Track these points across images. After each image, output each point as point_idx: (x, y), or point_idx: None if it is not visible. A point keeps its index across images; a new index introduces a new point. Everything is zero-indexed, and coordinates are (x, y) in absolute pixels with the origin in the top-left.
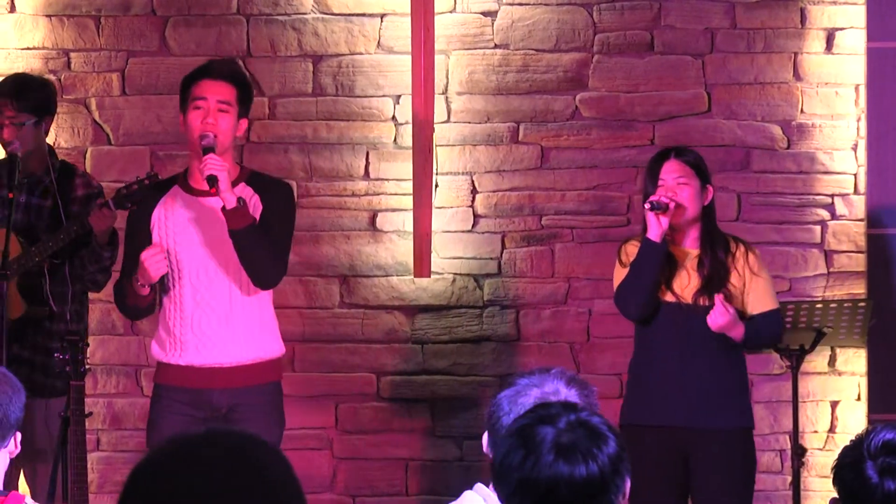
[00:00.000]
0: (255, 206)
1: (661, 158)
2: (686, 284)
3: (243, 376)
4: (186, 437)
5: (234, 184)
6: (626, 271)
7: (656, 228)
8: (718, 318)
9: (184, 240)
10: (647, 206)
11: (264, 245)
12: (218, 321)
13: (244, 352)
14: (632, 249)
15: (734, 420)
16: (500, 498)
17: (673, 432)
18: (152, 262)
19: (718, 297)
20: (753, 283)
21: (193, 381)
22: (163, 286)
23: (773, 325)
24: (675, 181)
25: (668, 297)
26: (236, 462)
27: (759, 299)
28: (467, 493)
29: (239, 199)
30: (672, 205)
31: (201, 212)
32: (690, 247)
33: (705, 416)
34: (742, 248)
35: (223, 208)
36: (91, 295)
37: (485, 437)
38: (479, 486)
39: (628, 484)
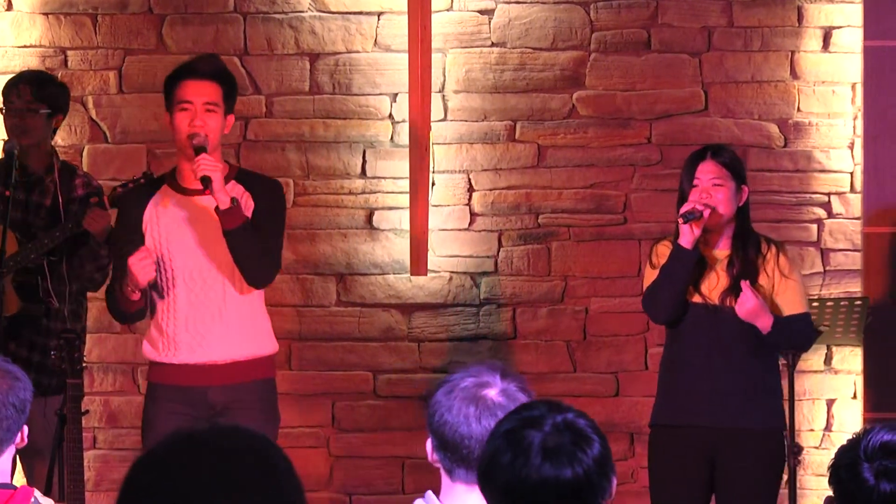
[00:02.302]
0: (247, 205)
1: (698, 158)
2: (714, 285)
3: (237, 373)
4: (188, 433)
5: (225, 181)
6: (655, 273)
7: (688, 236)
8: (746, 302)
9: (176, 240)
10: (680, 220)
11: (257, 244)
12: (212, 319)
13: (238, 349)
14: (663, 251)
15: (763, 420)
16: (487, 500)
17: (701, 432)
18: (140, 267)
19: (745, 283)
20: (783, 285)
21: (188, 379)
22: (155, 287)
23: (803, 327)
24: (710, 182)
25: (696, 299)
26: (237, 457)
27: (789, 302)
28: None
29: (233, 199)
30: (707, 212)
31: (193, 211)
32: (722, 248)
33: (733, 416)
34: (774, 249)
35: (216, 208)
36: (98, 290)
37: (428, 442)
38: (429, 493)
39: (614, 484)
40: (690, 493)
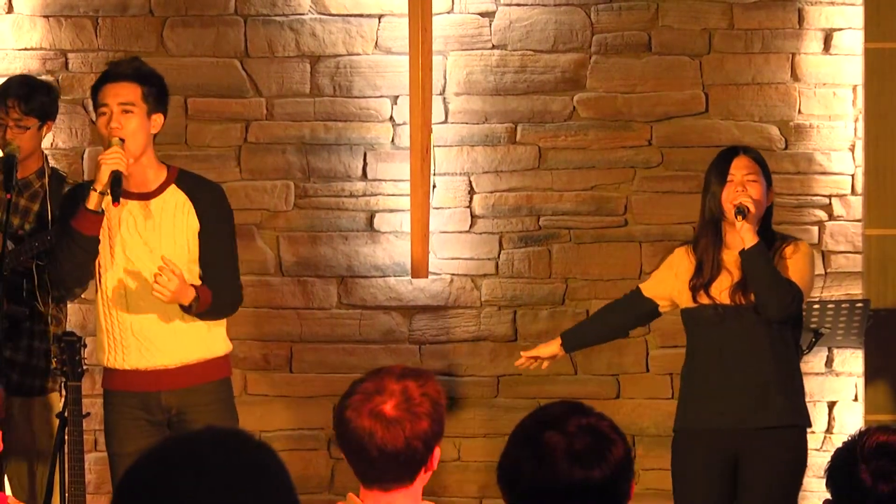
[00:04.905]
0: (189, 212)
1: (730, 155)
2: (725, 286)
3: (190, 376)
4: (179, 437)
5: (164, 186)
6: (666, 273)
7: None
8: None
9: (122, 242)
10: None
11: (221, 298)
12: (159, 323)
13: (189, 352)
14: (678, 257)
15: (779, 417)
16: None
17: (723, 435)
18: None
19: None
20: (782, 264)
21: (140, 385)
22: (100, 283)
23: (788, 286)
24: (744, 177)
25: (703, 300)
26: (229, 461)
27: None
28: None
29: (190, 305)
30: (752, 208)
31: (137, 214)
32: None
33: (749, 415)
34: (792, 245)
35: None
36: (87, 295)
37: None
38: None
39: (634, 487)
40: (716, 496)
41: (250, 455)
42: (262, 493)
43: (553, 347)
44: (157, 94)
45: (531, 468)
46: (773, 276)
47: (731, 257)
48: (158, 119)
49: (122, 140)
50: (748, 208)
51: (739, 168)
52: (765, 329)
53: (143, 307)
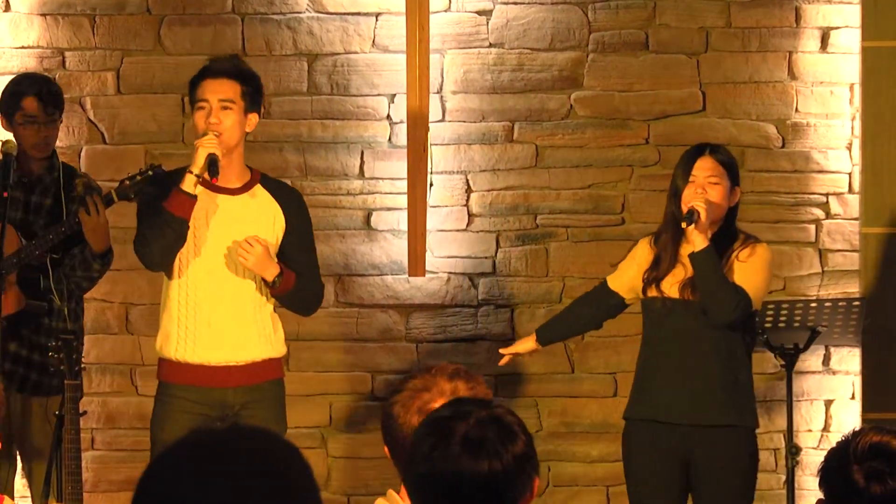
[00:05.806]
0: (276, 213)
1: (696, 154)
2: (677, 280)
3: (254, 374)
4: (204, 433)
5: (251, 185)
6: (630, 265)
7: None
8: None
9: (205, 234)
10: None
11: (304, 289)
12: (234, 318)
13: (257, 350)
14: (641, 250)
15: (730, 418)
16: (407, 490)
17: (667, 428)
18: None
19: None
20: (734, 267)
21: (206, 380)
22: (179, 275)
23: (732, 292)
24: (706, 179)
25: (652, 293)
26: (253, 460)
27: (735, 279)
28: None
29: (274, 282)
30: (703, 215)
31: (224, 209)
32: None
33: (693, 411)
34: (749, 248)
35: (263, 279)
36: (91, 295)
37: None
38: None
39: (536, 485)
40: (667, 489)
41: (275, 454)
42: (286, 493)
43: (529, 343)
44: (253, 94)
45: (426, 452)
46: (719, 282)
47: (689, 252)
48: (253, 118)
49: (218, 134)
50: (699, 215)
51: (702, 169)
52: (710, 328)
53: (223, 301)
